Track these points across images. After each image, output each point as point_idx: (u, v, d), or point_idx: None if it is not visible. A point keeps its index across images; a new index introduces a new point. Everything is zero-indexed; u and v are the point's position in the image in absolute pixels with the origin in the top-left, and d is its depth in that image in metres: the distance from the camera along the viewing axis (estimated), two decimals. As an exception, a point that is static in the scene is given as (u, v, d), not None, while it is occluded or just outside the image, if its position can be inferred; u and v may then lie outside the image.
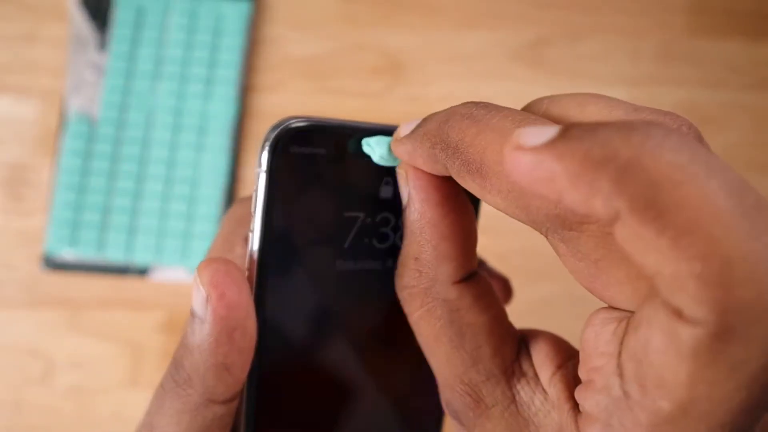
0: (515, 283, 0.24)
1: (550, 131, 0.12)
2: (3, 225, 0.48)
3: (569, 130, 0.12)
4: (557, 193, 0.12)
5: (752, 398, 0.12)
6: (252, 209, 0.18)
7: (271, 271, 0.19)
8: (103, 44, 0.50)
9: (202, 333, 0.18)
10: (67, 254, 0.47)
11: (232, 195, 0.49)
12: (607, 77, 0.52)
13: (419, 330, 0.18)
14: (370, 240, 0.20)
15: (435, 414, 0.23)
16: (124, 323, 0.47)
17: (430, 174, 0.18)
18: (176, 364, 0.19)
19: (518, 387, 0.17)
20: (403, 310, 0.20)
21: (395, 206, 0.20)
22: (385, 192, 0.20)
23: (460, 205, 0.18)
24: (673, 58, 0.52)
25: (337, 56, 0.51)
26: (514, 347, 0.18)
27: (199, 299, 0.18)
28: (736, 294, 0.11)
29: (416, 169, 0.18)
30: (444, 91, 0.51)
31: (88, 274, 0.48)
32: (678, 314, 0.12)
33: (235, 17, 0.50)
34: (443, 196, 0.18)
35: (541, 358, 0.17)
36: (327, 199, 0.19)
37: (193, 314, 0.18)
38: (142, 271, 0.48)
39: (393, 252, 0.21)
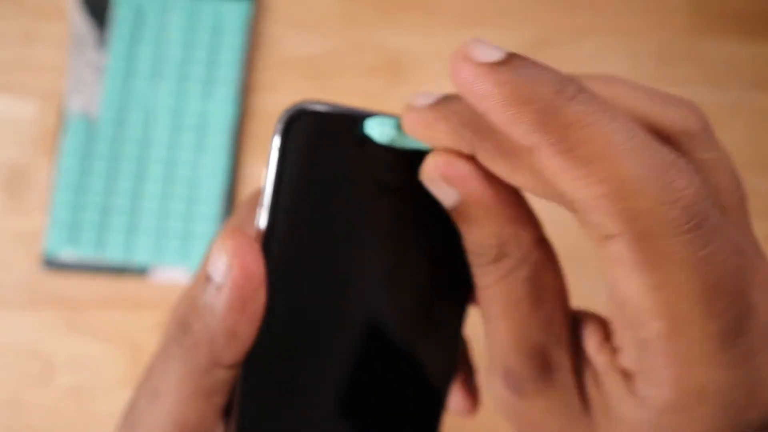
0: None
1: (496, 54, 0.14)
2: (2, 225, 0.48)
3: (512, 60, 0.14)
4: (485, 111, 0.15)
5: (698, 278, 0.14)
6: (262, 186, 0.19)
7: (275, 247, 0.19)
8: (102, 44, 0.50)
9: (217, 297, 0.18)
10: (67, 254, 0.47)
11: (232, 195, 0.49)
12: (608, 77, 0.52)
13: (499, 293, 0.18)
14: (377, 224, 0.21)
15: (435, 408, 0.23)
16: (123, 323, 0.47)
17: (478, 166, 0.18)
18: (184, 327, 0.19)
19: (574, 355, 0.18)
20: (403, 298, 0.21)
21: (402, 191, 0.20)
22: (392, 177, 0.20)
23: (497, 188, 0.18)
24: (674, 58, 0.52)
25: (337, 56, 0.51)
26: (570, 317, 0.19)
27: (219, 265, 0.18)
28: (638, 204, 0.14)
29: (469, 161, 0.18)
30: (444, 90, 0.51)
31: (88, 274, 0.48)
32: (603, 238, 0.15)
33: (235, 17, 0.50)
34: (488, 179, 0.18)
35: (588, 332, 0.18)
36: (335, 181, 0.19)
37: (208, 278, 0.19)
38: (141, 271, 0.48)
39: (399, 238, 0.21)
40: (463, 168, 0.18)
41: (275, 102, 0.51)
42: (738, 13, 0.53)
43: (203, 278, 0.19)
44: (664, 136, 0.16)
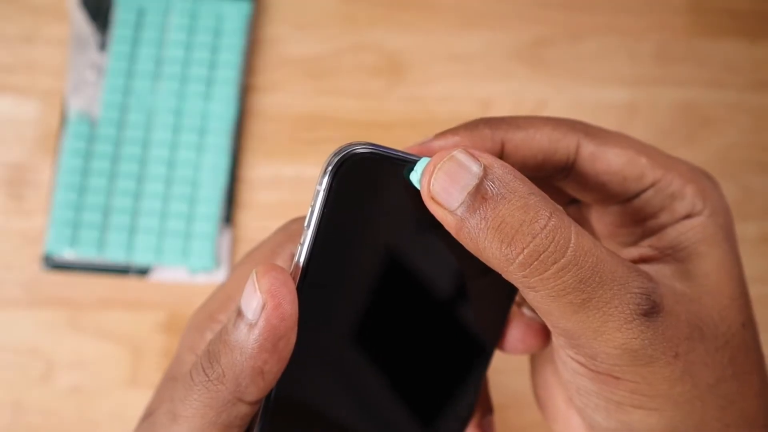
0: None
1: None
2: (3, 225, 0.48)
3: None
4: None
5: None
6: (305, 223, 0.19)
7: (311, 287, 0.19)
8: (103, 44, 0.50)
9: (248, 336, 0.18)
10: (68, 254, 0.47)
11: (232, 195, 0.49)
12: (607, 77, 0.52)
13: (583, 247, 0.18)
14: (416, 269, 0.21)
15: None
16: (124, 323, 0.47)
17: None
18: (211, 359, 0.19)
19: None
20: (435, 339, 0.22)
21: (446, 237, 0.20)
22: (434, 223, 0.19)
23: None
24: (673, 58, 0.52)
25: (337, 56, 0.51)
26: None
27: (252, 303, 0.18)
28: (702, 185, 0.21)
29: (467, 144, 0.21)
30: (444, 91, 0.51)
31: (89, 274, 0.48)
32: (686, 215, 0.21)
33: (235, 17, 0.51)
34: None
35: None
36: (379, 224, 0.20)
37: (240, 314, 0.19)
38: (142, 271, 0.48)
39: (439, 285, 0.21)
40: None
41: (275, 102, 0.51)
42: (738, 13, 0.53)
43: (235, 310, 0.19)
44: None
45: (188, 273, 0.48)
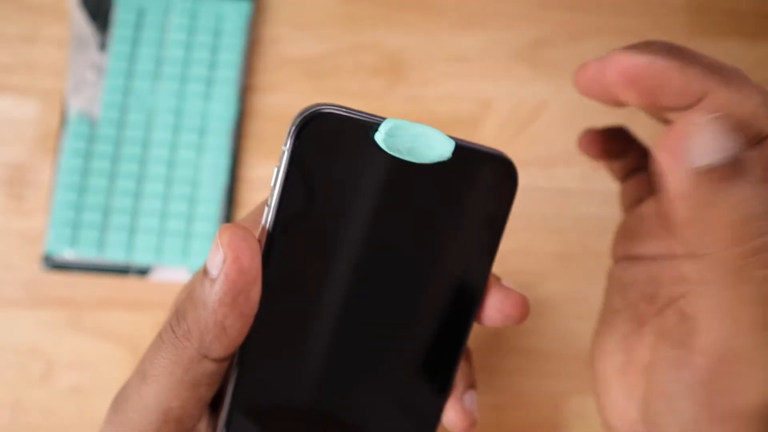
0: (515, 283, 0.24)
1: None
2: (3, 225, 0.49)
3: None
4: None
5: None
6: (271, 183, 0.19)
7: (278, 245, 0.19)
8: (103, 44, 0.50)
9: (210, 291, 0.18)
10: (68, 254, 0.47)
11: (232, 195, 0.49)
12: (607, 77, 0.51)
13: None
14: (384, 229, 0.20)
15: (429, 422, 0.23)
16: (124, 323, 0.47)
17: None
18: (178, 317, 0.19)
19: None
20: (406, 298, 0.21)
21: (411, 197, 0.20)
22: (400, 183, 0.20)
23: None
24: (673, 58, 0.52)
25: (337, 56, 0.51)
26: None
27: (215, 259, 0.19)
28: None
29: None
30: (444, 91, 0.51)
31: (89, 274, 0.48)
32: None
33: (235, 17, 0.51)
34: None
35: None
36: (344, 184, 0.19)
37: (206, 271, 0.19)
38: (142, 271, 0.48)
39: (407, 245, 0.21)
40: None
41: (276, 102, 0.51)
42: (738, 13, 0.53)
43: (203, 269, 0.19)
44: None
45: (188, 273, 0.48)
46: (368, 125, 0.19)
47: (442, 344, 0.22)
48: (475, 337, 0.24)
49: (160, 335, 0.20)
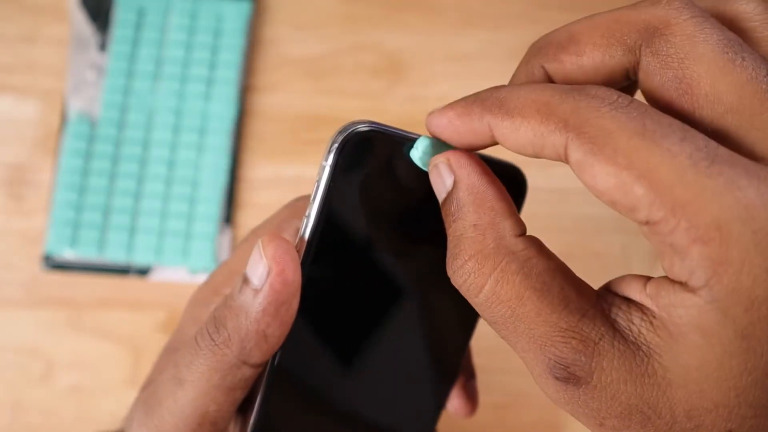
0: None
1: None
2: (3, 225, 0.49)
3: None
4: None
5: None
6: (312, 198, 0.20)
7: (316, 256, 0.20)
8: (103, 45, 0.50)
9: (253, 300, 0.19)
10: (68, 254, 0.47)
11: (232, 195, 0.49)
12: (607, 77, 0.52)
13: (497, 297, 0.17)
14: (413, 245, 0.22)
15: (435, 408, 0.25)
16: (124, 323, 0.47)
17: (470, 153, 0.19)
18: (217, 324, 0.20)
19: (612, 316, 0.16)
20: (429, 309, 0.22)
21: (437, 210, 0.20)
22: (430, 197, 0.20)
23: (495, 177, 0.19)
24: (673, 58, 0.52)
25: (337, 56, 0.52)
26: (587, 285, 0.18)
27: (258, 269, 0.19)
28: (724, 251, 0.14)
29: (458, 151, 0.19)
30: (444, 91, 0.51)
31: (89, 274, 0.48)
32: (683, 283, 0.15)
33: (235, 17, 0.51)
34: (484, 168, 0.19)
35: (626, 282, 0.17)
36: (382, 200, 0.21)
37: (245, 280, 0.20)
38: (142, 271, 0.48)
39: (429, 254, 0.22)
40: (466, 156, 0.19)
41: (275, 102, 0.51)
42: (737, 13, 0.53)
43: (240, 278, 0.20)
44: (651, 33, 0.17)
45: (188, 273, 0.48)
46: (402, 142, 0.20)
47: (452, 339, 0.24)
48: (475, 336, 0.25)
49: (196, 341, 0.20)
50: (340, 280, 0.21)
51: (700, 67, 0.16)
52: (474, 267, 0.17)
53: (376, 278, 0.22)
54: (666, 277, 0.16)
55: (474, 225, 0.18)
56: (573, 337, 0.16)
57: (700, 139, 0.15)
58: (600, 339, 0.16)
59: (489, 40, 0.52)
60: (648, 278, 0.17)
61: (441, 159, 0.19)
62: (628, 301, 0.16)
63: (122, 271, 0.48)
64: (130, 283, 0.48)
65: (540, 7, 0.52)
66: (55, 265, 0.47)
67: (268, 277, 0.19)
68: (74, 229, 0.47)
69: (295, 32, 0.52)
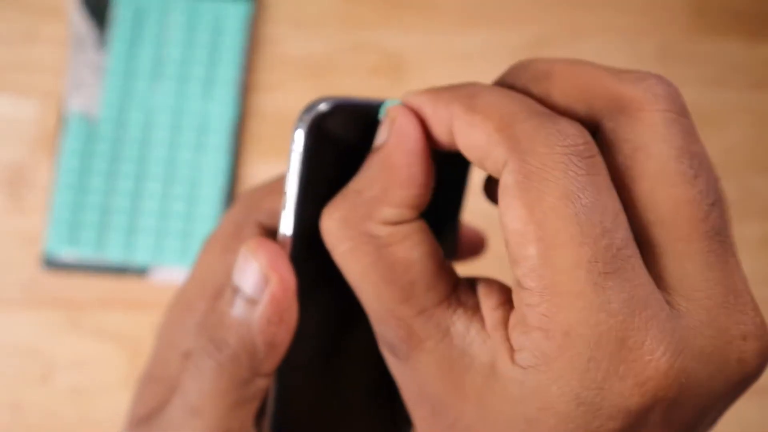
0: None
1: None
2: (3, 225, 0.48)
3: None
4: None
5: (570, 202, 0.15)
6: (285, 189, 0.19)
7: (302, 250, 0.19)
8: (102, 44, 0.50)
9: (252, 312, 0.18)
10: (67, 254, 0.47)
11: (232, 194, 0.49)
12: (608, 77, 0.52)
13: (346, 264, 0.18)
14: None
15: None
16: (124, 323, 0.47)
17: (418, 126, 0.18)
18: (218, 344, 0.19)
19: (454, 318, 0.17)
20: None
21: None
22: None
23: (424, 169, 0.18)
24: (674, 58, 0.52)
25: (337, 56, 0.51)
26: (450, 282, 0.18)
27: (250, 279, 0.18)
28: (517, 131, 0.15)
29: (407, 115, 0.18)
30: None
31: (88, 274, 0.48)
32: (501, 171, 0.16)
33: (235, 17, 0.50)
34: (415, 151, 0.18)
35: (487, 291, 0.17)
36: (353, 174, 0.19)
37: (235, 291, 0.19)
38: (141, 271, 0.48)
39: None
40: (413, 123, 0.18)
41: (275, 102, 0.51)
42: (738, 13, 0.53)
43: (229, 291, 0.19)
44: (619, 108, 0.16)
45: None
46: (368, 110, 0.19)
47: None
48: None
49: (196, 365, 0.19)
50: (328, 267, 0.20)
51: (648, 165, 0.15)
52: (333, 227, 0.18)
53: None
54: (515, 310, 0.16)
55: (357, 191, 0.18)
56: (401, 328, 0.17)
57: (618, 240, 0.14)
58: (427, 338, 0.17)
59: (489, 39, 0.52)
60: (509, 294, 0.17)
61: (392, 113, 0.18)
62: (477, 309, 0.17)
63: (121, 271, 0.48)
64: (130, 283, 0.48)
65: (540, 6, 0.52)
66: (55, 265, 0.47)
67: (268, 286, 0.18)
68: (73, 228, 0.47)
69: (295, 31, 0.52)
